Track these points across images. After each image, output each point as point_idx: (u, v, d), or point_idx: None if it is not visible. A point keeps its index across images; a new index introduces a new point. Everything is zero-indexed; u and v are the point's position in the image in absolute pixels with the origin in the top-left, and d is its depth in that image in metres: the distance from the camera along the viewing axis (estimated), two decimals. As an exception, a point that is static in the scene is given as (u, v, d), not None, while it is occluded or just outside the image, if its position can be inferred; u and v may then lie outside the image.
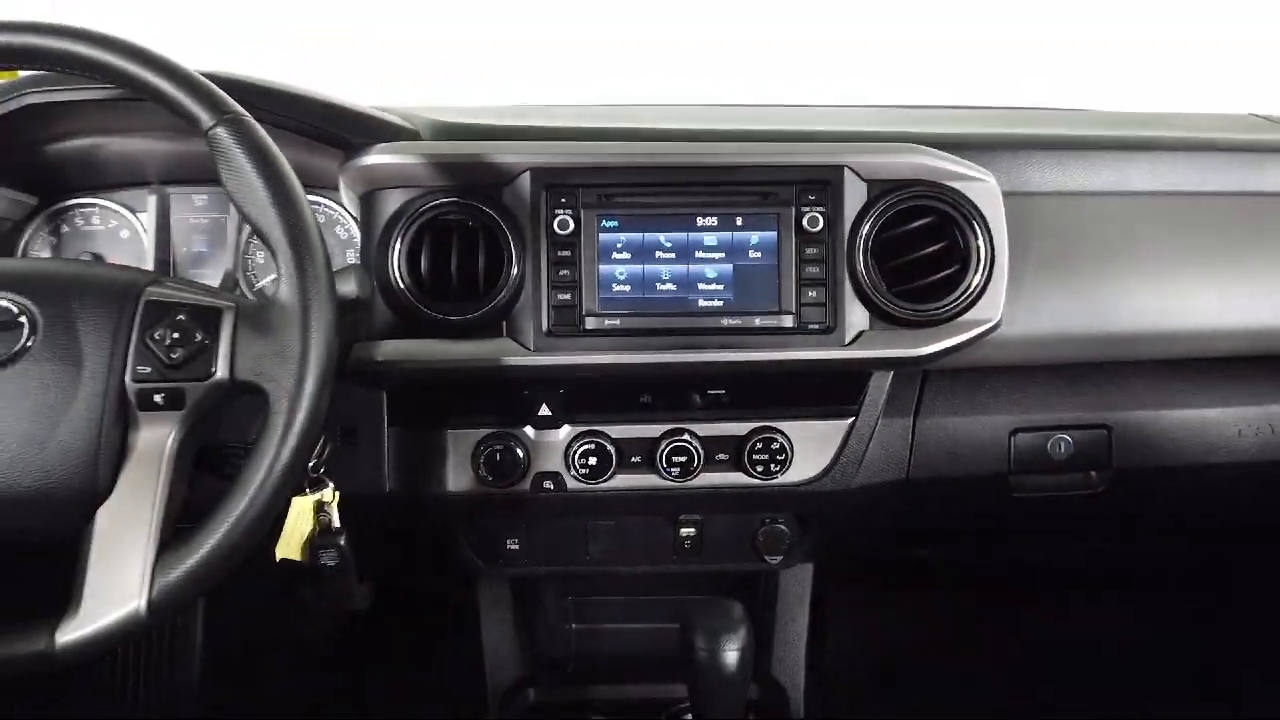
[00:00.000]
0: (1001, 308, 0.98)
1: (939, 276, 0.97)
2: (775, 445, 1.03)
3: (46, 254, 1.11)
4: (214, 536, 0.73)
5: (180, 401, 0.75)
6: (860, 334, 0.97)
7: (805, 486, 1.04)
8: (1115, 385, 1.08)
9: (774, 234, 0.97)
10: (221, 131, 0.77)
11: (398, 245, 0.96)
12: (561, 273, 0.97)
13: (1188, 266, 1.04)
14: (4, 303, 0.74)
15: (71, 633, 0.71)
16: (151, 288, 0.77)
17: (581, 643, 1.30)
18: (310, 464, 0.94)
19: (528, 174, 0.97)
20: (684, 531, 1.11)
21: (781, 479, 1.03)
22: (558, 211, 0.97)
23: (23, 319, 0.74)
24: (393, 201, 0.99)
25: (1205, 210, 1.05)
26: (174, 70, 0.77)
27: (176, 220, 1.13)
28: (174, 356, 0.74)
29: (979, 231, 0.97)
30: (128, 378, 0.74)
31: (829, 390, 1.04)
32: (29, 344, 0.74)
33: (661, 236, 0.98)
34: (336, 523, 0.99)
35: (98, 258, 1.11)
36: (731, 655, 0.88)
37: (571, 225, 0.96)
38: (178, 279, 0.81)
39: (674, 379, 1.02)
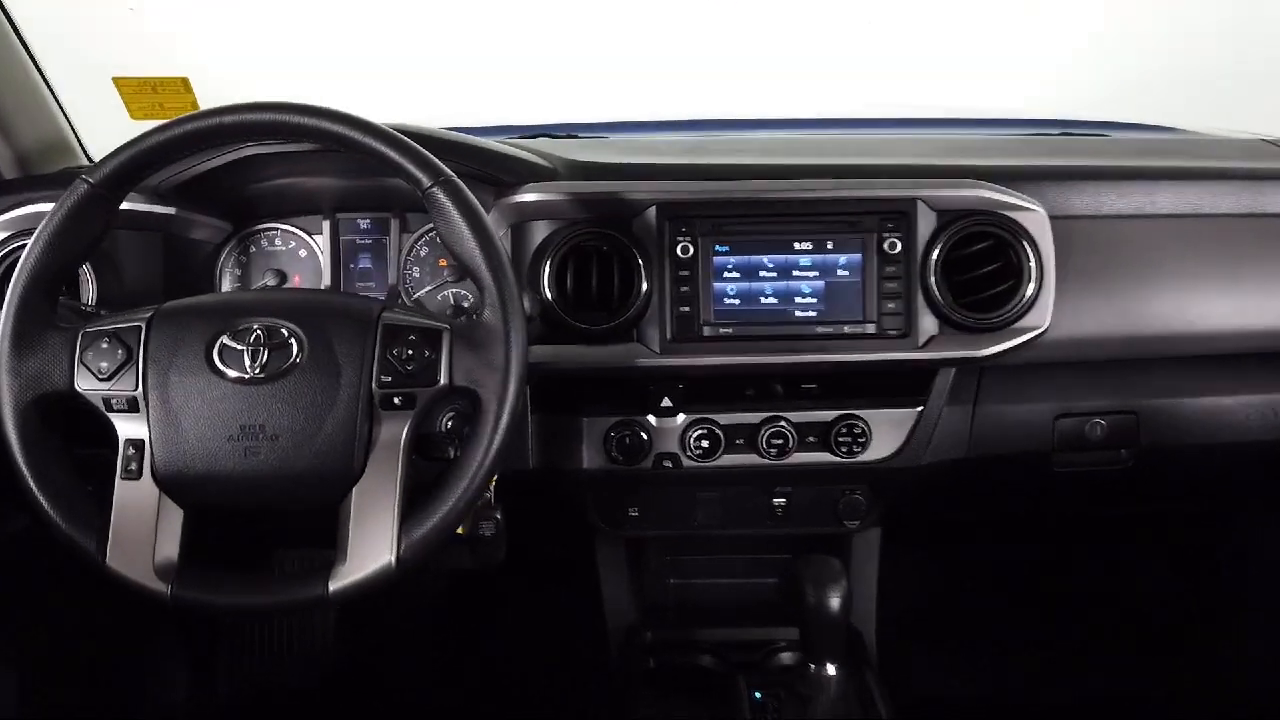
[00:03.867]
0: (1050, 315, 1.17)
1: (997, 290, 1.17)
2: (857, 430, 1.23)
3: (239, 271, 1.33)
4: (445, 506, 0.93)
5: (413, 402, 0.95)
6: (931, 338, 1.17)
7: (882, 463, 1.24)
8: (1142, 378, 1.26)
9: (859, 256, 1.17)
10: (437, 191, 0.97)
11: (547, 268, 1.17)
12: (682, 289, 1.17)
13: (1203, 277, 1.22)
14: (281, 328, 0.95)
15: (340, 581, 0.92)
16: (385, 314, 0.97)
17: (679, 594, 1.52)
18: None
19: (654, 208, 1.17)
20: (776, 500, 1.32)
21: (862, 457, 1.24)
22: (678, 239, 1.17)
23: (292, 340, 0.94)
24: (540, 231, 1.20)
25: (1218, 229, 1.23)
26: (400, 142, 0.97)
27: (344, 241, 1.34)
28: (409, 368, 0.94)
29: (1030, 252, 1.16)
30: (374, 384, 0.94)
31: (902, 384, 1.23)
32: (298, 359, 0.94)
33: (764, 258, 1.17)
34: (493, 499, 1.21)
35: (281, 273, 1.32)
36: (835, 601, 1.09)
37: (691, 250, 1.16)
38: (400, 305, 1.01)
39: (773, 376, 1.22)
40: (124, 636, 1.58)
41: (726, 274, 1.17)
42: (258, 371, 0.93)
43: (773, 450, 1.23)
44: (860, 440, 1.23)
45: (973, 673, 1.67)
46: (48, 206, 1.14)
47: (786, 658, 1.34)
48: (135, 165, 0.96)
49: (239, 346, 0.94)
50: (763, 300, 1.17)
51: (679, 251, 1.16)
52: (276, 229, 1.33)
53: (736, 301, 1.18)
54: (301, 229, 1.33)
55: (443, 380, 0.95)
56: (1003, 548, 1.77)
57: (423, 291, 1.32)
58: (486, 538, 1.19)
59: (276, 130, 0.98)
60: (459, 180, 0.98)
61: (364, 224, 1.34)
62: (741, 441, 1.24)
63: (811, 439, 1.24)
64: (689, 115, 1.67)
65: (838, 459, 1.24)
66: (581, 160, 1.27)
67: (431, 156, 0.97)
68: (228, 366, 0.94)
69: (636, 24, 1.89)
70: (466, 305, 1.32)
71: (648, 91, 1.85)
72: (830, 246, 1.17)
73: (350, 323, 0.96)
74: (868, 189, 1.17)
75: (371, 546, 0.93)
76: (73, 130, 1.40)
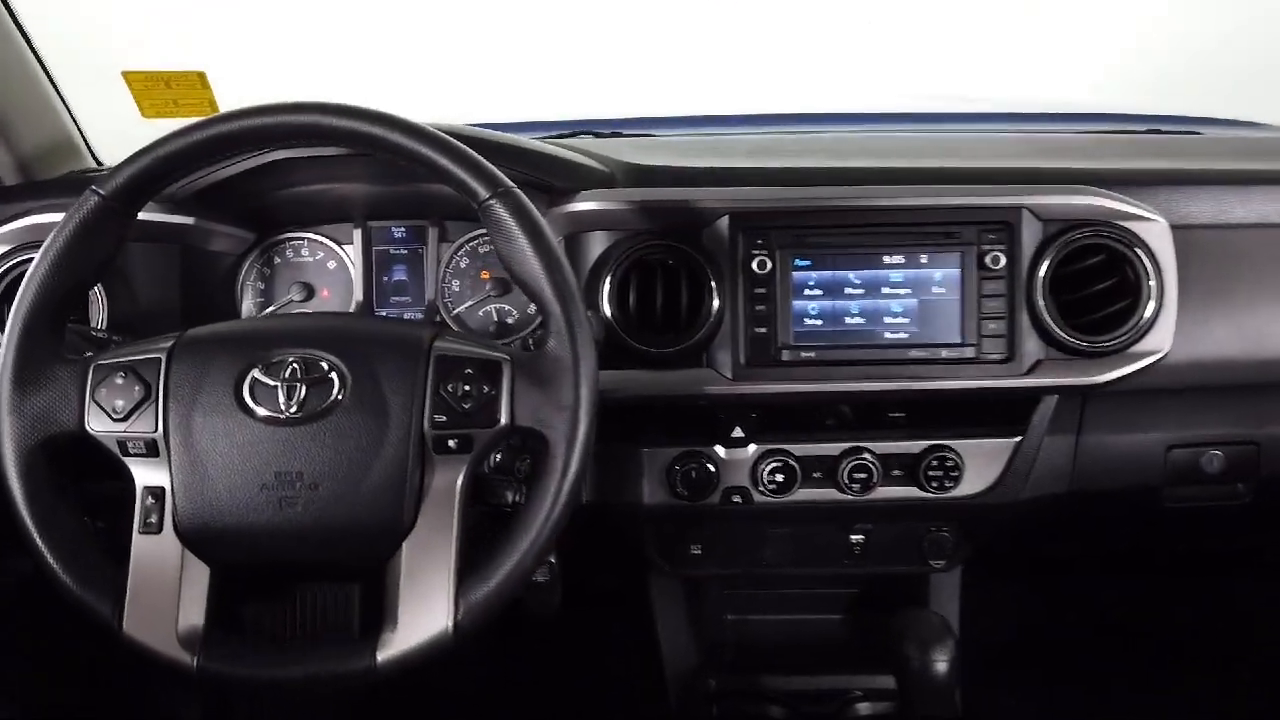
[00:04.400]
0: (1171, 338, 1.05)
1: (1113, 310, 1.05)
2: (949, 463, 1.10)
3: (262, 285, 1.21)
4: (509, 564, 0.82)
5: (470, 445, 0.83)
6: (1037, 363, 1.05)
7: (974, 499, 1.12)
8: (1264, 404, 1.14)
9: (957, 271, 1.04)
10: (496, 205, 0.85)
11: (607, 285, 1.05)
12: (757, 308, 1.05)
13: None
14: (320, 360, 0.84)
15: (390, 651, 0.80)
16: (437, 342, 0.86)
17: (737, 631, 1.40)
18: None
19: (726, 218, 1.05)
20: (853, 538, 1.20)
21: (953, 493, 1.12)
22: (754, 252, 1.05)
23: (333, 375, 0.83)
24: (598, 243, 1.08)
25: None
26: (453, 148, 0.85)
27: (377, 251, 1.22)
28: (465, 406, 0.83)
29: (1150, 268, 1.03)
30: (426, 425, 0.82)
31: (999, 412, 1.11)
32: (339, 397, 0.82)
33: (850, 274, 1.05)
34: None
35: (308, 287, 1.21)
36: (942, 665, 0.97)
37: (768, 265, 1.04)
38: (451, 331, 0.89)
39: (858, 404, 1.10)
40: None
41: (808, 291, 1.05)
42: (294, 410, 0.82)
43: (855, 485, 1.11)
44: (952, 474, 1.11)
45: (1063, 717, 1.54)
46: (53, 217, 1.04)
47: (864, 709, 1.22)
48: (153, 175, 0.85)
49: (272, 382, 0.82)
50: (848, 320, 1.05)
51: (755, 266, 1.04)
52: (303, 238, 1.21)
53: (819, 322, 1.06)
54: (330, 238, 1.21)
55: (503, 420, 0.84)
56: (1097, 581, 1.62)
57: (463, 307, 1.21)
58: (541, 584, 1.08)
59: (315, 134, 0.86)
60: (520, 192, 0.86)
61: (399, 233, 1.22)
62: (819, 475, 1.12)
63: (897, 472, 1.12)
64: (744, 110, 1.53)
65: (926, 494, 1.12)
66: (639, 163, 1.14)
67: (492, 168, 0.86)
68: (260, 405, 0.82)
69: (678, 8, 1.76)
70: (511, 322, 1.21)
71: (691, 83, 1.72)
72: (924, 260, 1.05)
73: (398, 354, 0.84)
74: (967, 196, 1.05)
75: (425, 611, 0.82)
76: (78, 129, 1.27)
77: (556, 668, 1.59)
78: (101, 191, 0.84)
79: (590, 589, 1.50)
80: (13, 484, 0.81)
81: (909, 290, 1.05)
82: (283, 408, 0.82)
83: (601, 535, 1.24)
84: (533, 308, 1.20)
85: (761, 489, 1.12)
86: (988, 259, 1.03)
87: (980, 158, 1.20)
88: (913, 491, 1.12)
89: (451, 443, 0.83)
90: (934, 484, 1.11)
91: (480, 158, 0.86)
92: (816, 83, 1.69)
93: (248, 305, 1.20)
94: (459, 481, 0.84)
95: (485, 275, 1.22)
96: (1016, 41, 1.84)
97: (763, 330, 1.05)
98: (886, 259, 1.05)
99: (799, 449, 1.12)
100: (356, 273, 1.20)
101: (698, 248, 1.05)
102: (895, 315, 1.05)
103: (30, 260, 1.04)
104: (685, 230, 1.06)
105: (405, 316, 1.22)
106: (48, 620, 1.21)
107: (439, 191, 1.13)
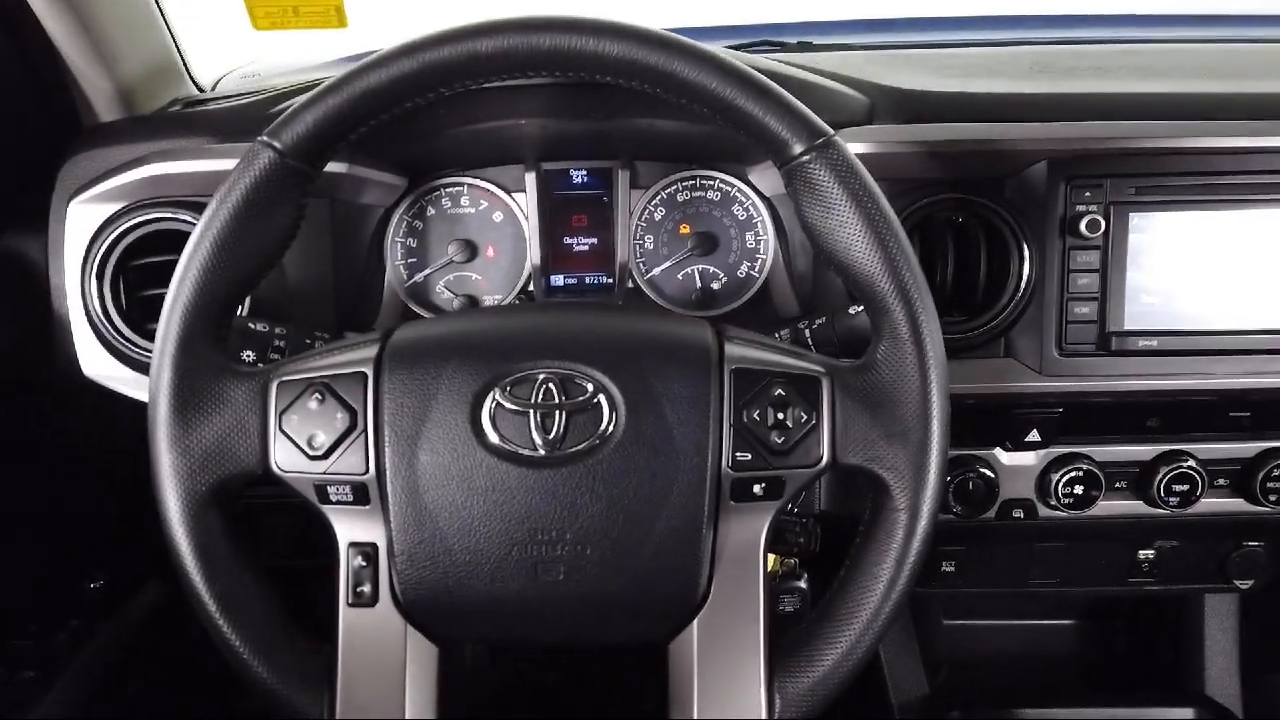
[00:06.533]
0: None
1: None
2: None
3: (413, 242, 0.98)
4: (840, 645, 0.62)
5: (780, 490, 0.63)
6: None
7: None
8: None
9: (1351, 234, 0.80)
10: (814, 161, 0.62)
11: None
12: (1081, 281, 0.82)
13: None
14: (580, 377, 0.62)
15: None
16: (729, 347, 0.64)
17: (954, 640, 1.21)
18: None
19: (1044, 163, 0.81)
20: (1143, 553, 1.00)
21: None
22: (1081, 208, 0.80)
23: (599, 398, 0.62)
24: None
25: None
26: (761, 85, 0.62)
27: (554, 199, 0.99)
28: (779, 441, 0.62)
29: None
30: (725, 465, 0.62)
31: None
32: (609, 428, 0.61)
33: (1207, 238, 0.81)
34: (797, 565, 0.90)
35: (470, 245, 0.98)
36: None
37: (1101, 225, 0.80)
38: (737, 330, 0.67)
39: (1202, 403, 0.87)
40: None
41: (1147, 260, 0.81)
42: (552, 447, 0.61)
43: (1172, 498, 0.89)
44: None
45: None
46: (177, 166, 0.82)
47: None
48: (345, 120, 0.63)
49: (520, 408, 0.61)
50: (1203, 298, 0.82)
51: (1084, 227, 0.80)
52: (462, 184, 0.98)
53: (1157, 299, 0.82)
54: (497, 184, 0.98)
55: (824, 456, 0.62)
56: None
57: (658, 269, 0.98)
58: (789, 614, 0.88)
59: (564, 62, 0.63)
60: (842, 144, 0.62)
61: (579, 177, 0.98)
62: (1123, 485, 0.91)
63: (1221, 481, 0.90)
64: (969, 10, 1.22)
65: (1260, 508, 0.90)
66: (908, 88, 0.89)
67: (804, 108, 0.62)
68: (506, 439, 0.61)
69: None
70: (717, 288, 0.98)
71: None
72: (1306, 220, 0.80)
73: (683, 368, 0.63)
74: None
75: (732, 707, 0.62)
76: (177, 47, 1.03)
77: None
78: (277, 145, 0.61)
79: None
80: (181, 545, 0.61)
81: (1282, 259, 0.81)
82: (536, 442, 0.61)
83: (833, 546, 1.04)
84: (745, 270, 0.98)
85: (1053, 501, 0.90)
86: None
87: None
88: (1239, 504, 0.91)
89: (757, 488, 0.62)
90: (1273, 496, 0.89)
91: (793, 99, 0.62)
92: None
93: (394, 270, 0.98)
94: (763, 536, 0.63)
95: (685, 229, 0.99)
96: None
97: (1086, 310, 0.82)
98: (1256, 219, 0.81)
99: (1098, 452, 0.90)
100: (531, 227, 0.97)
101: (1002, 202, 0.81)
102: (1265, 292, 0.81)
103: (150, 221, 0.83)
104: (983, 180, 0.82)
105: (588, 281, 0.99)
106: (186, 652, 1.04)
107: (630, 127, 0.90)
